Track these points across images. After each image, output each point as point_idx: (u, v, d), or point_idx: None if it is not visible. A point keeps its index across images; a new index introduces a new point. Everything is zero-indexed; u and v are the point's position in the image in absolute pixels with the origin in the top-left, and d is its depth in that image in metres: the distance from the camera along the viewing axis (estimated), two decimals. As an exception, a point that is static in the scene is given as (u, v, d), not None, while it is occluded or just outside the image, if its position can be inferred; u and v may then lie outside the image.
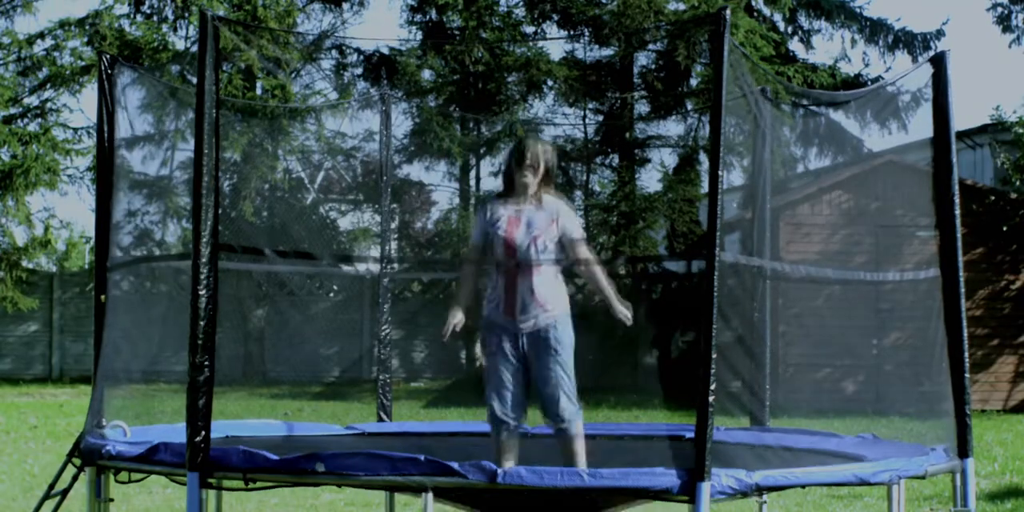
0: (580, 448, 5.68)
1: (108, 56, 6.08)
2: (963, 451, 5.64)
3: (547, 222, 5.69)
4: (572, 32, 20.40)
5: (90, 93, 22.91)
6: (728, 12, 4.72)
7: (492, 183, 20.66)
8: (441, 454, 4.98)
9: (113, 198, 6.14)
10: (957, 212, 5.79)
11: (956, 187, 5.81)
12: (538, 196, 5.72)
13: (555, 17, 20.51)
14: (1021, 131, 17.35)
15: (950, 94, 5.77)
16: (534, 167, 5.70)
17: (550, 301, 5.65)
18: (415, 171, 21.02)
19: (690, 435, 4.67)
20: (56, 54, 21.41)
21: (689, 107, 20.62)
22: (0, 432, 13.23)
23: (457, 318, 5.69)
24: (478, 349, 5.77)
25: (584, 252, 5.75)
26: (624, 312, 5.69)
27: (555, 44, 21.00)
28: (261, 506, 8.54)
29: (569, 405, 5.65)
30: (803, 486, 6.58)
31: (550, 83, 19.92)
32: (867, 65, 23.65)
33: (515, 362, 5.67)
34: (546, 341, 5.62)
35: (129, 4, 21.57)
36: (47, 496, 5.97)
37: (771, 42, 19.45)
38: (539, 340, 5.63)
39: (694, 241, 18.65)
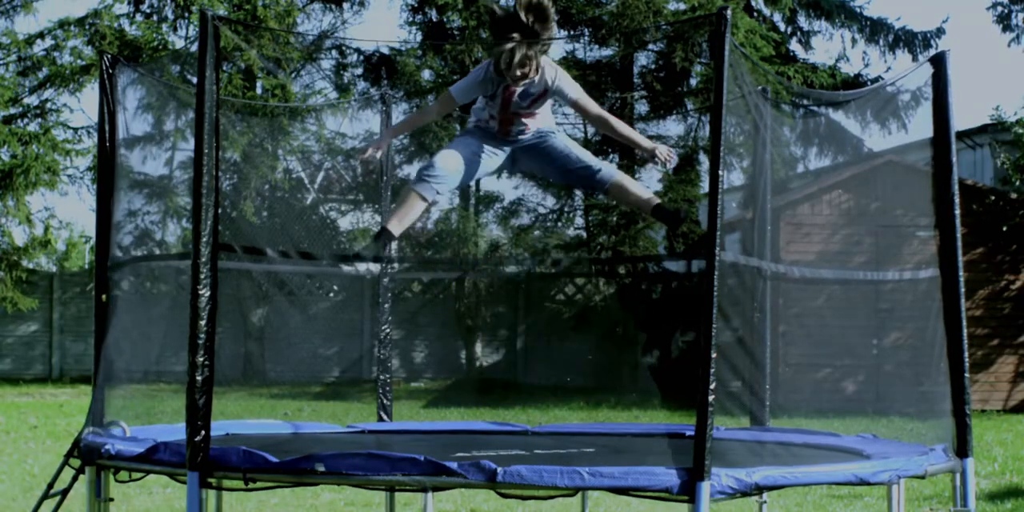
0: (632, 181, 5.82)
1: (109, 56, 6.08)
2: (963, 451, 5.64)
3: (541, 92, 5.66)
4: (572, 32, 20.41)
5: (90, 93, 22.92)
6: (729, 12, 4.72)
7: (492, 183, 20.69)
8: (441, 454, 4.98)
9: (114, 198, 6.13)
10: (957, 212, 5.79)
11: (956, 187, 5.80)
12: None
13: (555, 17, 20.51)
14: (1021, 131, 17.35)
15: (950, 94, 5.76)
16: (525, 68, 5.49)
17: (545, 124, 5.77)
18: (415, 171, 21.00)
19: (690, 433, 4.67)
20: (56, 54, 21.41)
21: (689, 107, 20.62)
22: (0, 432, 13.23)
23: (382, 147, 5.69)
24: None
25: (592, 107, 5.72)
26: (656, 145, 5.63)
27: (555, 44, 21.00)
28: (261, 506, 8.54)
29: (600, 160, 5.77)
30: (803, 486, 6.58)
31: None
32: (867, 65, 23.68)
33: (480, 155, 5.71)
34: (548, 137, 5.74)
35: (129, 3, 21.57)
36: (46, 496, 5.97)
37: (771, 42, 19.45)
38: (540, 140, 5.73)
39: (694, 241, 18.65)
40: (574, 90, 5.67)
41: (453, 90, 5.67)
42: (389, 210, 5.88)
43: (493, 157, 5.77)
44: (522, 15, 5.43)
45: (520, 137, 5.78)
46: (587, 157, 5.80)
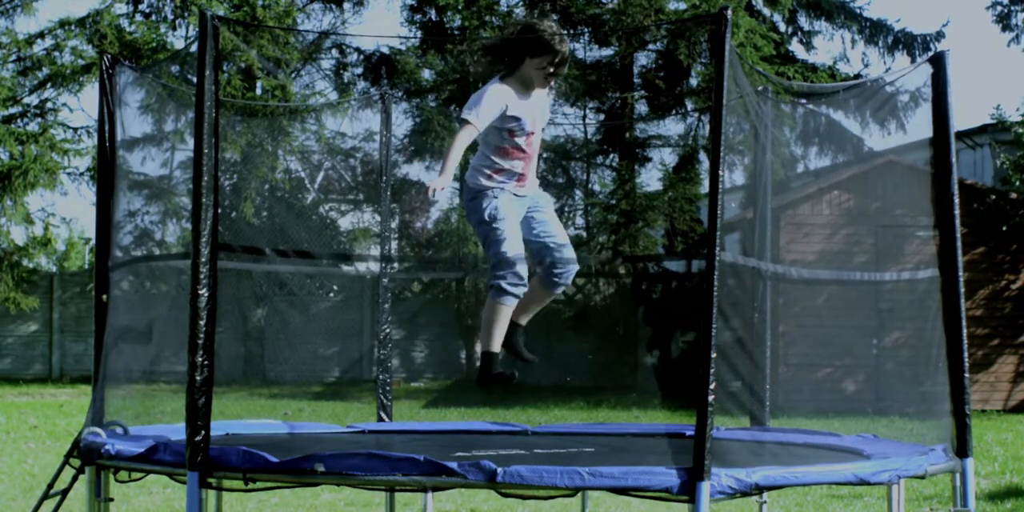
0: (542, 302, 6.11)
1: (109, 56, 6.09)
2: (963, 451, 5.64)
3: (548, 109, 5.90)
4: (572, 32, 20.39)
5: (90, 92, 22.92)
6: (729, 12, 4.72)
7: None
8: (441, 454, 4.98)
9: (114, 198, 6.14)
10: (956, 212, 5.78)
11: (955, 187, 5.80)
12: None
13: (555, 17, 20.52)
14: (1021, 131, 17.35)
15: (949, 94, 5.75)
16: (563, 66, 5.63)
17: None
18: (415, 171, 21.03)
19: (690, 433, 4.67)
20: (56, 54, 21.40)
21: (689, 107, 20.62)
22: (0, 432, 13.23)
23: (446, 182, 5.54)
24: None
25: None
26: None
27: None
28: (261, 506, 8.54)
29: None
30: (803, 486, 6.58)
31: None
32: (867, 66, 23.64)
33: (519, 228, 5.79)
34: (543, 199, 5.88)
35: (128, 2, 21.56)
36: (46, 496, 5.97)
37: (771, 42, 19.45)
38: (539, 199, 5.85)
39: (694, 240, 18.66)
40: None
41: (477, 117, 5.48)
42: (483, 332, 5.89)
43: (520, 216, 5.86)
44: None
45: (529, 191, 5.81)
46: (561, 237, 5.87)
